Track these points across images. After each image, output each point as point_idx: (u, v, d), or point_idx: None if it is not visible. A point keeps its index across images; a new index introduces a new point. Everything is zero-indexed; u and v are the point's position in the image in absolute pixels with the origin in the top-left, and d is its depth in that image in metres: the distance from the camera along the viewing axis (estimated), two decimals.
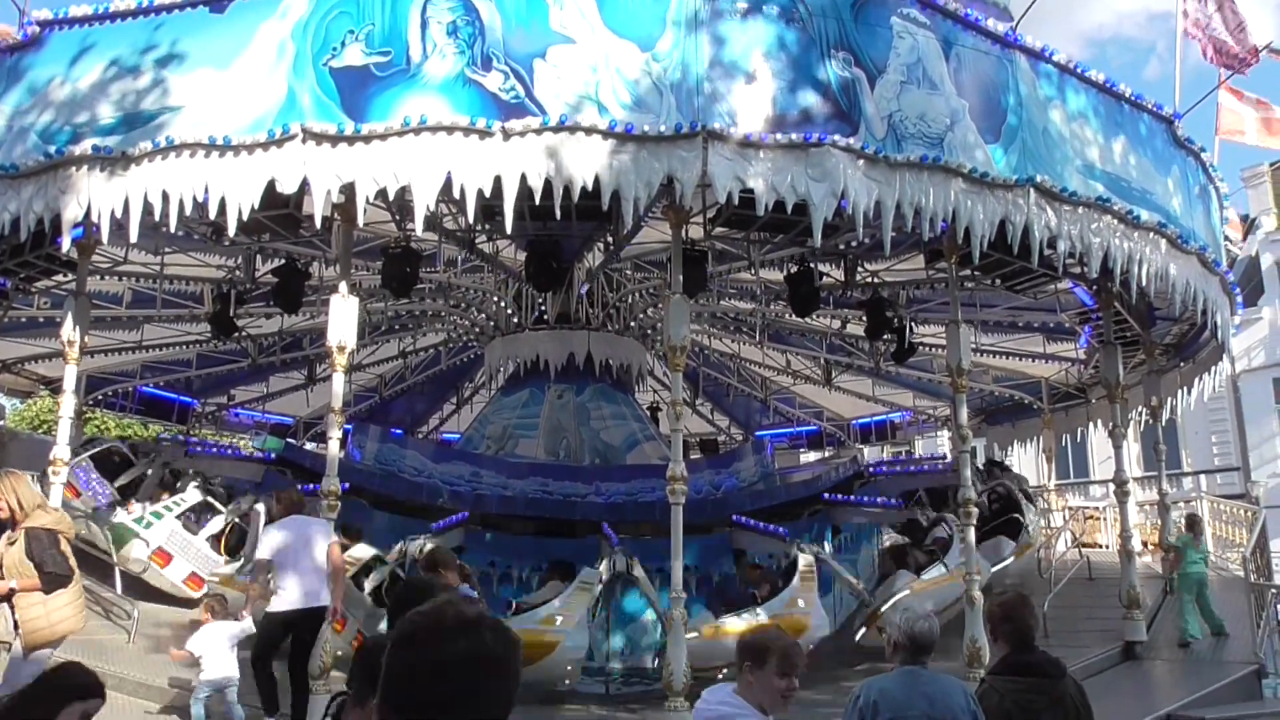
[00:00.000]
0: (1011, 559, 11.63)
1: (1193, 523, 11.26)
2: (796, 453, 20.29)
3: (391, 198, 7.25)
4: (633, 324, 13.99)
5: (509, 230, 7.46)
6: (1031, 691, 3.51)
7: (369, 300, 12.75)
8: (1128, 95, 8.80)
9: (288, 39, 6.90)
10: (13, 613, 5.15)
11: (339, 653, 7.14)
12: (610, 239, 10.63)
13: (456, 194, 6.66)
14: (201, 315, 13.00)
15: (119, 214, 7.09)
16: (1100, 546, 15.46)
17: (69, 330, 8.57)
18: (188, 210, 7.04)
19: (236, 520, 11.20)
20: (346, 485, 8.48)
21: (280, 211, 7.72)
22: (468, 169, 6.53)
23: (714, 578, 11.25)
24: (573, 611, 8.63)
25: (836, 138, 6.85)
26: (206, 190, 6.81)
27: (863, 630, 9.84)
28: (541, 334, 13.37)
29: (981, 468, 14.52)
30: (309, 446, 17.09)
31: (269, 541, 7.06)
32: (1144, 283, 8.37)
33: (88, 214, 7.18)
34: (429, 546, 9.35)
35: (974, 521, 8.37)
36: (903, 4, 7.42)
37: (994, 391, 16.39)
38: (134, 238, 7.40)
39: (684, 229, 7.93)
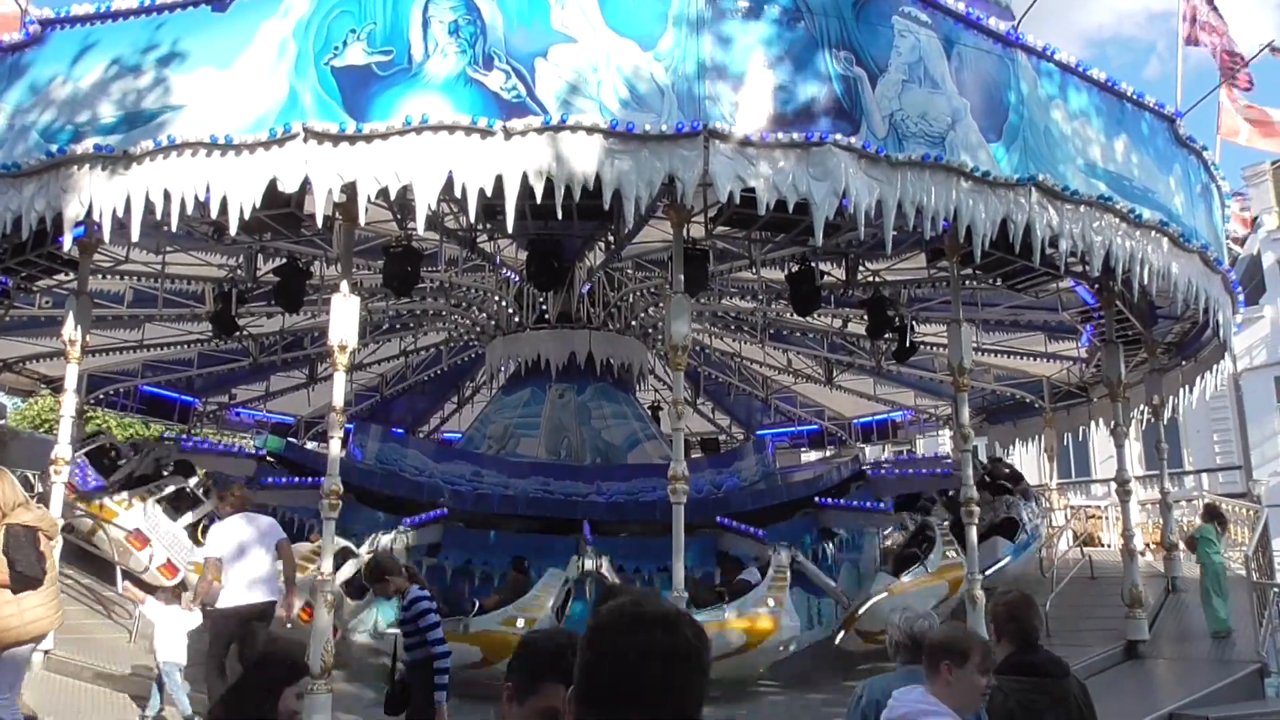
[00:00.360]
0: (1007, 560, 11.55)
1: (1214, 512, 11.17)
2: (797, 452, 20.30)
3: (393, 197, 7.25)
4: (634, 323, 13.98)
5: (510, 229, 7.45)
6: (1035, 691, 3.50)
7: (370, 299, 12.74)
8: (1129, 94, 8.80)
9: (289, 38, 6.90)
10: None
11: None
12: (611, 238, 10.63)
13: (458, 193, 6.66)
14: (203, 314, 13.00)
15: (120, 213, 7.09)
16: (1102, 545, 15.46)
17: (70, 329, 8.58)
18: (189, 209, 7.05)
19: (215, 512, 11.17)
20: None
21: (282, 210, 7.72)
22: (469, 168, 6.53)
23: (696, 576, 11.23)
24: (535, 611, 8.64)
25: (838, 137, 6.84)
26: (208, 189, 6.82)
27: (841, 634, 9.83)
28: (543, 333, 13.37)
29: (985, 465, 14.47)
30: (310, 446, 17.10)
31: (218, 539, 7.20)
32: (1146, 281, 8.37)
33: (89, 213, 7.19)
34: (399, 542, 9.40)
35: (975, 521, 8.38)
36: (904, 3, 7.41)
37: (995, 390, 16.39)
38: (135, 236, 7.40)
39: (685, 228, 7.92)
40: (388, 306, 14.05)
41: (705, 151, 6.63)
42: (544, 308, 13.34)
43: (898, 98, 7.19)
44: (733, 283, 13.52)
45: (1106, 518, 16.59)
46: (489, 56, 6.72)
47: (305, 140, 6.62)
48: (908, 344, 12.52)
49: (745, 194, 6.86)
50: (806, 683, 9.40)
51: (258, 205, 6.85)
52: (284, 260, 11.17)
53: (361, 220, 7.60)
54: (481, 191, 6.58)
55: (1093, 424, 15.54)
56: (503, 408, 14.32)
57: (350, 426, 12.80)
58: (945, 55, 7.51)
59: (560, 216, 7.13)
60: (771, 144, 6.75)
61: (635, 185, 6.60)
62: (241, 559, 7.08)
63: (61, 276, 9.94)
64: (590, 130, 6.58)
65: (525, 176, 6.52)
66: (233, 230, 7.30)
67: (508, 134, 6.53)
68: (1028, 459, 19.29)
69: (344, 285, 7.61)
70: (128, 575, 10.26)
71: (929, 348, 13.87)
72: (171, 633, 7.40)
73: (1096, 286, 10.23)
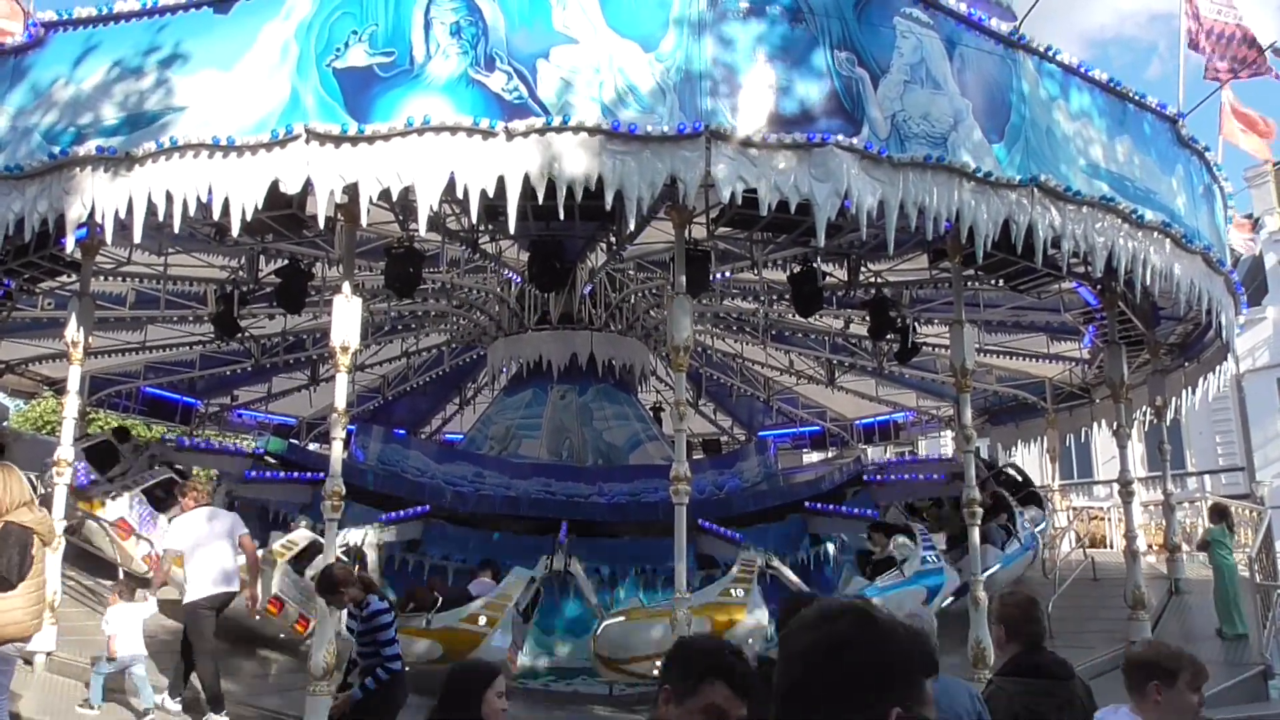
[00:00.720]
0: (997, 566, 11.45)
1: (1221, 512, 11.14)
2: (799, 453, 20.28)
3: (395, 198, 7.24)
4: (636, 324, 13.98)
5: (512, 230, 7.45)
6: (1040, 693, 3.48)
7: (372, 300, 12.74)
8: (1131, 95, 8.78)
9: (291, 40, 6.90)
10: None
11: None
12: (613, 239, 10.62)
13: (460, 194, 6.65)
14: (205, 316, 13.02)
15: (123, 214, 7.09)
16: (1105, 546, 15.43)
17: (73, 331, 8.59)
18: (191, 211, 7.05)
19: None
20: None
21: (283, 212, 7.73)
22: (471, 169, 6.53)
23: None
24: (497, 611, 8.65)
25: (840, 137, 6.83)
26: (210, 191, 6.82)
27: None
28: (544, 334, 13.38)
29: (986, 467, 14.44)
30: (312, 447, 17.12)
31: (181, 533, 7.39)
32: (1148, 282, 8.35)
33: (91, 214, 7.19)
34: (369, 538, 9.42)
35: (977, 521, 8.37)
36: (906, 4, 7.40)
37: (998, 391, 16.37)
38: (138, 238, 7.40)
39: (687, 229, 7.92)
40: (389, 308, 14.06)
41: (707, 152, 6.62)
42: (546, 309, 13.34)
43: (900, 98, 7.18)
44: (735, 283, 13.52)
45: (1109, 519, 16.55)
46: (490, 57, 6.72)
47: (307, 141, 6.62)
48: (910, 345, 12.51)
49: (747, 195, 6.85)
50: None
51: (260, 206, 6.85)
52: (286, 261, 11.18)
53: (363, 221, 7.59)
54: (483, 192, 6.57)
55: (1095, 425, 15.51)
56: (504, 409, 14.32)
57: (352, 428, 12.82)
58: (947, 56, 7.50)
59: (562, 217, 7.12)
60: (773, 145, 6.74)
61: (637, 186, 6.59)
62: (204, 552, 7.28)
63: (64, 278, 9.95)
64: (592, 131, 6.57)
65: (527, 177, 6.51)
66: (235, 231, 7.31)
67: (509, 135, 6.53)
68: (1030, 460, 19.26)
69: (346, 286, 7.61)
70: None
71: (931, 349, 13.85)
72: (130, 629, 7.48)
73: (1099, 287, 10.21)
